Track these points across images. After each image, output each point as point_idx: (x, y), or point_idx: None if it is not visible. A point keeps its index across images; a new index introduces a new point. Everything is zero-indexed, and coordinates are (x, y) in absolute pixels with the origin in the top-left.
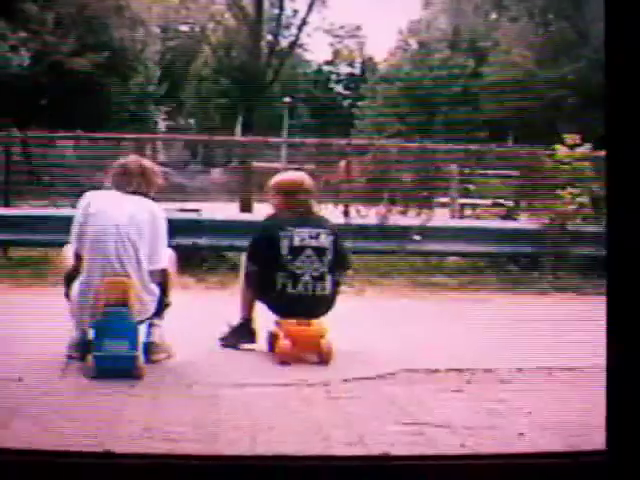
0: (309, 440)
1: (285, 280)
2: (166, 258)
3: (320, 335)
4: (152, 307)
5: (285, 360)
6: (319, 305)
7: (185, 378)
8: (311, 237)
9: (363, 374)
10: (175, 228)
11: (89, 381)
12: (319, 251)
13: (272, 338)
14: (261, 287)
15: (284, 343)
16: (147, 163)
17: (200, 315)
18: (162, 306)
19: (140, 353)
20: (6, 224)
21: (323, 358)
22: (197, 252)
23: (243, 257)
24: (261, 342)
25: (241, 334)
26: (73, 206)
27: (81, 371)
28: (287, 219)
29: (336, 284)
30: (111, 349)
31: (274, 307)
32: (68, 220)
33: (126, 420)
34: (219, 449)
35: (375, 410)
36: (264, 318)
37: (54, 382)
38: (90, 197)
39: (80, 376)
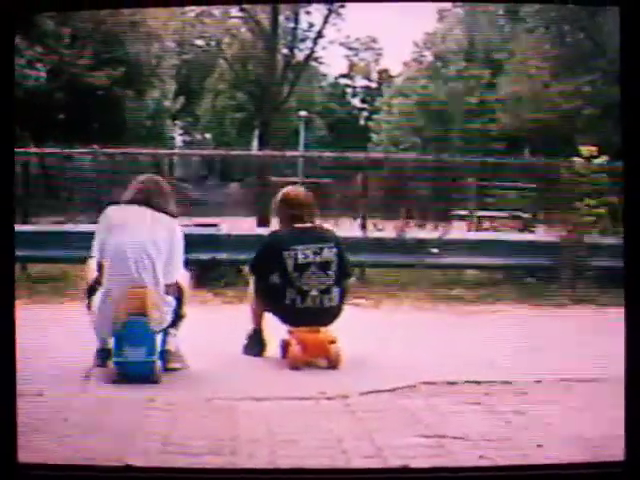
0: (328, 453)
1: (294, 296)
2: (181, 275)
3: (329, 341)
4: (169, 317)
5: (296, 365)
6: (327, 316)
7: (204, 391)
8: (315, 254)
9: (382, 387)
10: (193, 243)
11: (108, 395)
12: (324, 265)
13: (284, 345)
14: (271, 300)
15: (295, 349)
16: (163, 182)
17: (218, 329)
18: (178, 317)
19: (157, 359)
20: (24, 240)
21: (332, 363)
22: (215, 267)
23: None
24: (275, 350)
25: (252, 344)
26: (91, 221)
27: (102, 377)
28: (289, 236)
29: (343, 294)
30: (130, 355)
31: (284, 319)
32: (85, 236)
33: (145, 434)
34: (238, 463)
35: (394, 422)
36: (278, 327)
37: (73, 396)
38: (111, 211)
39: (99, 389)
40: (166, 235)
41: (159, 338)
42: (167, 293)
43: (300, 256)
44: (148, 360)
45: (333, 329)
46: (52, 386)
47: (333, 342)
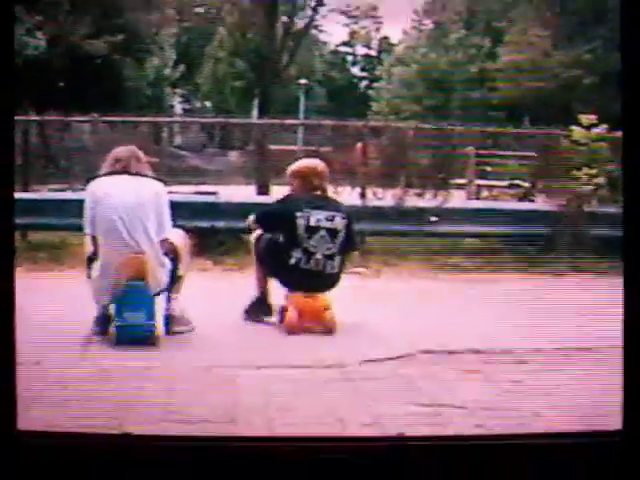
0: (325, 421)
1: (299, 255)
2: (175, 233)
3: (325, 307)
4: (166, 279)
5: (293, 331)
6: (327, 281)
7: (203, 360)
8: (327, 219)
9: (380, 355)
10: (192, 211)
11: (108, 363)
12: (332, 232)
13: (282, 311)
14: (275, 259)
15: (291, 315)
16: (137, 150)
17: (218, 296)
18: (175, 278)
19: (156, 322)
20: (25, 208)
21: (327, 328)
22: (214, 235)
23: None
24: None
25: (258, 309)
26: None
27: (103, 342)
28: (305, 199)
29: (343, 263)
30: (130, 319)
31: (286, 280)
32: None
33: (144, 402)
34: (237, 431)
35: (391, 391)
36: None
37: (72, 365)
38: (94, 185)
39: (99, 357)
40: (150, 196)
41: (161, 302)
42: (163, 253)
43: (313, 218)
44: (148, 323)
45: (329, 296)
46: (51, 354)
47: (328, 309)
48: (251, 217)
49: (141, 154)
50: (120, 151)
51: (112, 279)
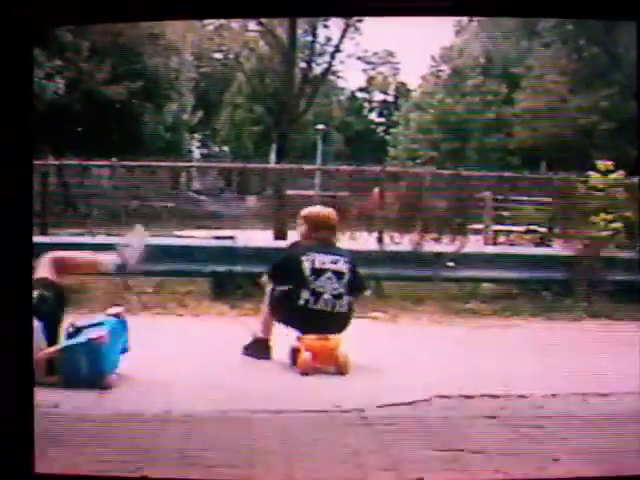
0: (344, 466)
1: (308, 296)
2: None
3: (337, 348)
4: None
5: (306, 371)
6: (338, 321)
7: (220, 403)
8: (332, 262)
9: (397, 400)
10: (210, 255)
11: (125, 408)
12: (338, 274)
13: (294, 352)
14: (284, 304)
15: (305, 355)
16: None
17: (234, 340)
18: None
19: None
20: (42, 252)
21: (340, 369)
22: (232, 279)
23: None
24: (284, 358)
25: (259, 349)
26: (108, 234)
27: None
28: (309, 244)
29: (352, 303)
30: None
31: (297, 322)
32: (103, 248)
33: (162, 446)
34: (255, 475)
35: (409, 436)
36: (284, 336)
37: (90, 408)
38: None
39: (115, 402)
40: None
41: None
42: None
43: (317, 261)
44: None
45: (342, 337)
46: (67, 399)
47: (341, 349)
48: (264, 278)
49: None
50: None
51: None
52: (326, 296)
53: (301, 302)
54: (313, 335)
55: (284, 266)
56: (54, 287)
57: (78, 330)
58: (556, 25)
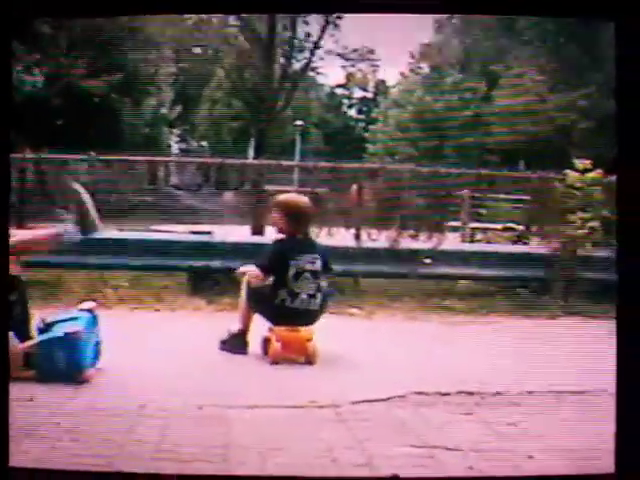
0: (318, 462)
1: (286, 296)
2: None
3: (307, 339)
4: None
5: (276, 361)
6: (310, 317)
7: (195, 398)
8: (310, 263)
9: (373, 396)
10: (187, 250)
11: (99, 401)
12: (314, 273)
13: (265, 342)
14: (262, 300)
15: (276, 346)
16: None
17: (210, 335)
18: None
19: None
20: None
21: (309, 359)
22: (209, 274)
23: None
24: (256, 348)
25: (236, 343)
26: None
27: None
28: (295, 245)
29: (324, 302)
30: None
31: (271, 317)
32: (79, 243)
33: (136, 440)
34: (229, 469)
35: (384, 432)
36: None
37: (64, 402)
38: None
39: (90, 396)
40: None
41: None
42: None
43: (300, 263)
44: None
45: (312, 329)
46: (42, 392)
47: (310, 340)
48: (242, 268)
49: None
50: None
51: None
52: (303, 296)
53: (278, 301)
54: (284, 327)
55: (275, 268)
56: (16, 286)
57: (48, 325)
58: (535, 24)
